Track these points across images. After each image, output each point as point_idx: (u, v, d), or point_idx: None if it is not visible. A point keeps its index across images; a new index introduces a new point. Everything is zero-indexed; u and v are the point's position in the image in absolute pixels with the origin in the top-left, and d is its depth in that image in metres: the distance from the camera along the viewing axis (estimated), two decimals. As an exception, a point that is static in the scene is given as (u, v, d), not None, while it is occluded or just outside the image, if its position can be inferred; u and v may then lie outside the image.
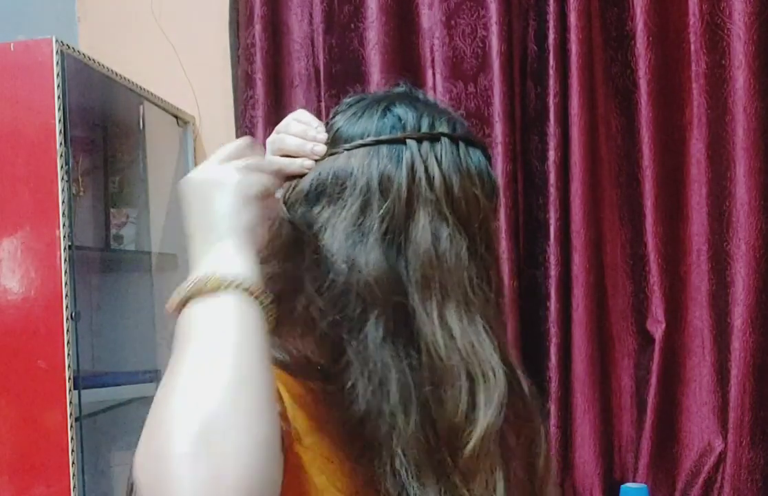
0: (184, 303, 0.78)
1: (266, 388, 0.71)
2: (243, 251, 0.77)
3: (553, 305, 2.01)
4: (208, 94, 2.40)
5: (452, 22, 2.11)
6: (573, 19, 2.00)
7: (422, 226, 0.84)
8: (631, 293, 2.07)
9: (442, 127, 0.89)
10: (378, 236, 0.83)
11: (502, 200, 2.03)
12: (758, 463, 1.94)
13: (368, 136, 0.88)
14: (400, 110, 0.90)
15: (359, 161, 0.87)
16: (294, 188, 0.90)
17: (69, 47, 1.85)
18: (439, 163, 0.86)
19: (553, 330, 2.01)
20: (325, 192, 0.87)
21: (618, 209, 2.08)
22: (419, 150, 0.87)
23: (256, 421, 0.68)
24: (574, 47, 2.00)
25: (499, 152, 2.04)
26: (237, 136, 2.32)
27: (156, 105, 2.29)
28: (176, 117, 2.37)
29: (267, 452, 0.68)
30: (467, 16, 2.10)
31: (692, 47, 2.00)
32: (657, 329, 2.01)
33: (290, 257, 0.86)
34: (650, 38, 1.99)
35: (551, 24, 2.02)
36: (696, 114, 2.01)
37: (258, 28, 2.21)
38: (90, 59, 1.97)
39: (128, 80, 2.15)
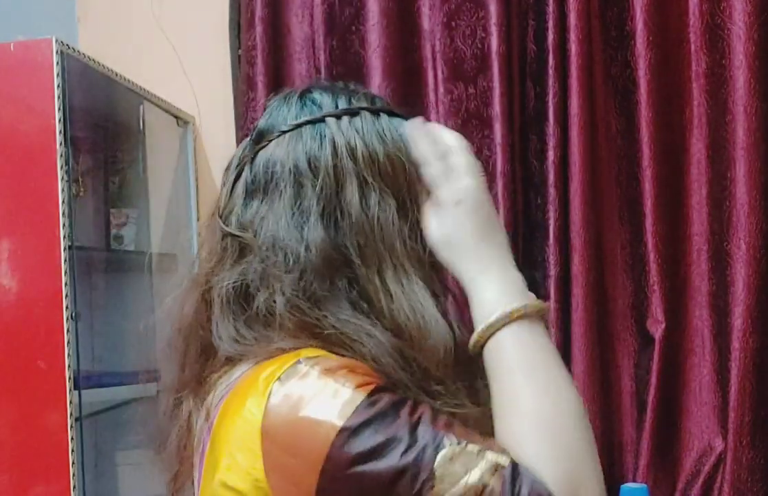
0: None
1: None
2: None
3: (552, 305, 2.01)
4: (208, 95, 2.40)
5: (452, 24, 2.11)
6: (573, 19, 2.00)
7: (351, 197, 0.87)
8: (631, 293, 2.07)
9: (360, 103, 0.92)
10: (317, 215, 0.86)
11: (502, 200, 2.03)
12: (758, 463, 1.94)
13: (288, 123, 0.91)
14: (316, 95, 0.93)
15: (284, 149, 0.90)
16: (225, 199, 0.93)
17: (69, 47, 1.85)
18: (361, 135, 0.89)
19: (553, 330, 2.00)
20: (258, 188, 0.90)
21: (618, 209, 2.08)
22: (339, 126, 0.90)
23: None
24: (573, 47, 2.00)
25: (498, 152, 2.05)
26: (237, 138, 2.32)
27: (156, 105, 2.29)
28: (176, 117, 2.37)
29: None
30: (467, 17, 2.10)
31: (692, 47, 2.00)
32: (657, 329, 2.01)
33: (241, 262, 0.89)
34: (650, 38, 1.99)
35: (551, 24, 2.03)
36: (696, 114, 2.01)
37: (259, 29, 2.21)
38: (90, 59, 1.97)
39: (128, 80, 2.15)
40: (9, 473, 1.80)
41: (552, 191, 2.03)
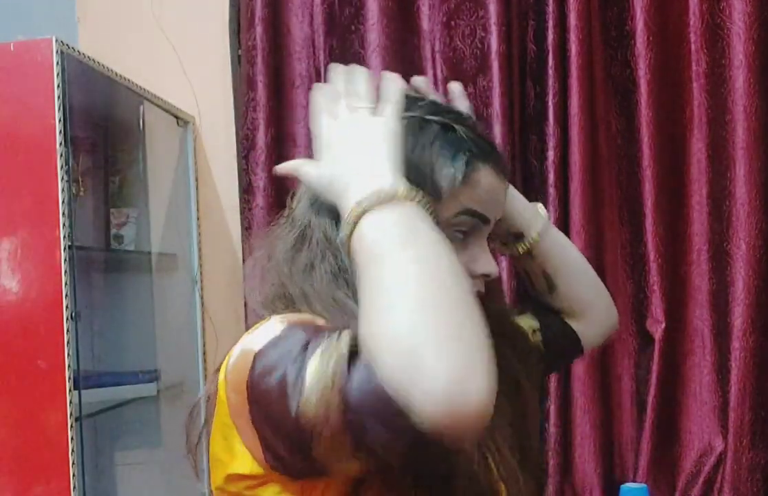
0: (361, 214, 0.82)
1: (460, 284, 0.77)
2: (396, 164, 0.87)
3: (553, 305, 2.00)
4: (208, 94, 2.40)
5: (452, 24, 2.11)
6: (572, 19, 2.00)
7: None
8: (631, 293, 2.07)
9: None
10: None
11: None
12: (758, 463, 1.94)
13: None
14: None
15: None
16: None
17: (69, 47, 1.85)
18: None
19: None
20: None
21: (618, 209, 2.08)
22: None
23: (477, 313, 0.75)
24: (573, 47, 2.00)
25: (498, 152, 2.04)
26: (237, 138, 2.32)
27: (156, 105, 2.29)
28: (176, 117, 2.37)
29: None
30: (467, 17, 2.10)
31: (692, 47, 2.00)
32: (657, 329, 2.01)
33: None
34: (650, 38, 1.99)
35: (550, 24, 2.03)
36: (696, 114, 2.01)
37: (259, 29, 2.21)
38: (90, 59, 1.97)
39: (128, 80, 2.15)
40: (9, 473, 1.80)
41: (552, 191, 2.03)
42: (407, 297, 0.73)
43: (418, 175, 0.91)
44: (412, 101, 1.02)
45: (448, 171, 0.93)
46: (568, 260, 1.16)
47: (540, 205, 1.14)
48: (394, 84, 0.99)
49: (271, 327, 0.83)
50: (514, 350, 1.06)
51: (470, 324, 0.73)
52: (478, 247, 0.97)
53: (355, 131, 0.94)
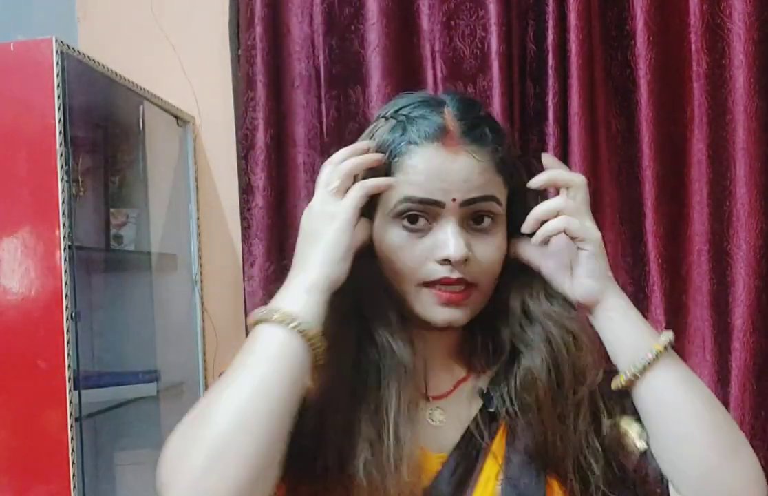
0: (257, 322, 0.91)
1: (272, 419, 0.84)
2: (316, 291, 0.89)
3: (553, 305, 2.00)
4: (208, 94, 2.40)
5: (452, 23, 2.11)
6: (572, 19, 2.00)
7: None
8: (631, 293, 2.06)
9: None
10: None
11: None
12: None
13: None
14: None
15: None
16: None
17: (69, 47, 1.85)
18: None
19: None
20: None
21: (618, 209, 2.08)
22: None
23: (256, 448, 0.82)
24: (573, 47, 2.00)
25: (498, 152, 2.04)
26: (237, 137, 2.32)
27: (156, 105, 2.29)
28: (176, 117, 2.37)
29: (259, 473, 0.82)
30: (467, 16, 2.10)
31: (692, 47, 2.00)
32: (657, 329, 2.00)
33: None
34: (650, 38, 1.99)
35: (550, 24, 2.02)
36: (696, 114, 2.00)
37: (259, 29, 2.21)
38: (90, 59, 1.97)
39: (128, 80, 2.15)
40: (9, 473, 1.80)
41: (552, 191, 2.02)
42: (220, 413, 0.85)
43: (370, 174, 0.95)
44: (396, 100, 1.03)
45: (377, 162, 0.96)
46: (668, 423, 0.99)
47: (666, 336, 1.03)
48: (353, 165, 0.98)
49: None
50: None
51: (233, 450, 0.82)
52: (441, 231, 0.95)
53: (311, 227, 0.94)
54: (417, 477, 0.93)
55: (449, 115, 0.97)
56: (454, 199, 0.94)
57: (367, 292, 0.97)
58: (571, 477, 0.97)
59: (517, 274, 1.02)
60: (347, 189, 0.95)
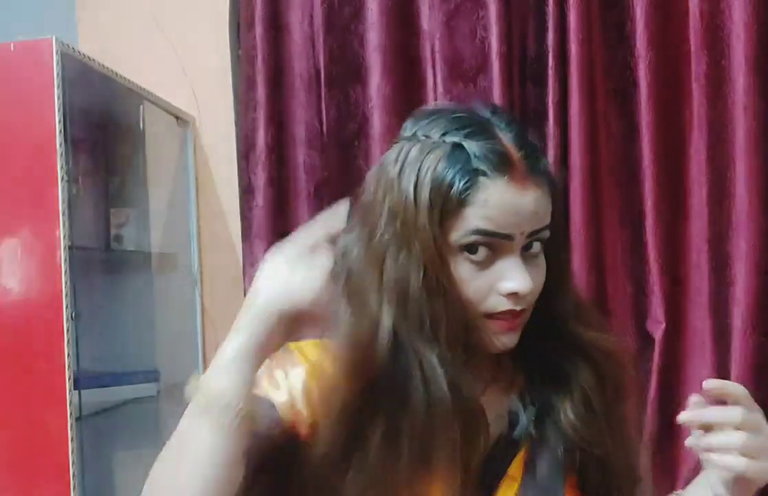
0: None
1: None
2: (245, 361, 0.91)
3: (553, 305, 2.00)
4: (208, 94, 2.40)
5: (452, 23, 2.11)
6: (573, 19, 2.00)
7: None
8: (631, 294, 2.07)
9: None
10: None
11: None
12: (758, 463, 1.93)
13: None
14: None
15: None
16: None
17: (69, 47, 1.85)
18: None
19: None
20: None
21: (618, 209, 2.08)
22: None
23: None
24: (573, 48, 2.00)
25: (498, 152, 2.04)
26: (237, 138, 2.32)
27: (156, 105, 2.29)
28: (176, 117, 2.37)
29: None
30: (467, 17, 2.10)
31: (692, 47, 2.00)
32: (657, 330, 2.01)
33: None
34: (650, 39, 1.99)
35: (551, 24, 2.02)
36: (696, 114, 2.00)
37: (259, 29, 2.21)
38: (90, 59, 1.97)
39: (128, 80, 2.15)
40: (9, 473, 1.80)
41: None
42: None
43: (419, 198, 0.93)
44: (433, 119, 0.98)
45: (446, 193, 0.92)
46: None
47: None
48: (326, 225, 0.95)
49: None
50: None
51: None
52: (505, 264, 0.94)
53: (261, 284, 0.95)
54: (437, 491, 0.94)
55: (508, 142, 0.95)
56: (522, 233, 0.94)
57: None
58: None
59: (552, 294, 1.01)
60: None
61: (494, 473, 0.99)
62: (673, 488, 2.02)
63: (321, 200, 2.20)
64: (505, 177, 0.92)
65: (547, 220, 0.96)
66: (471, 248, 0.93)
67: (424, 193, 0.92)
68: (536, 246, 0.96)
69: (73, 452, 1.76)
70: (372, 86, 2.13)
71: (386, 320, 0.92)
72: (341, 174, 2.17)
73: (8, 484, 1.79)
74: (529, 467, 1.00)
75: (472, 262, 0.94)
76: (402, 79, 2.14)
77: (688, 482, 2.01)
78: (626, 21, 2.03)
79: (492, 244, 0.93)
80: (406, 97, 2.13)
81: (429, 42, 2.15)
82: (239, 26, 2.30)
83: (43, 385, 1.78)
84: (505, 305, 0.94)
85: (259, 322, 0.91)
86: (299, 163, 2.25)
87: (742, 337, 1.91)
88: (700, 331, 2.02)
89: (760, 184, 1.92)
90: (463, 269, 0.93)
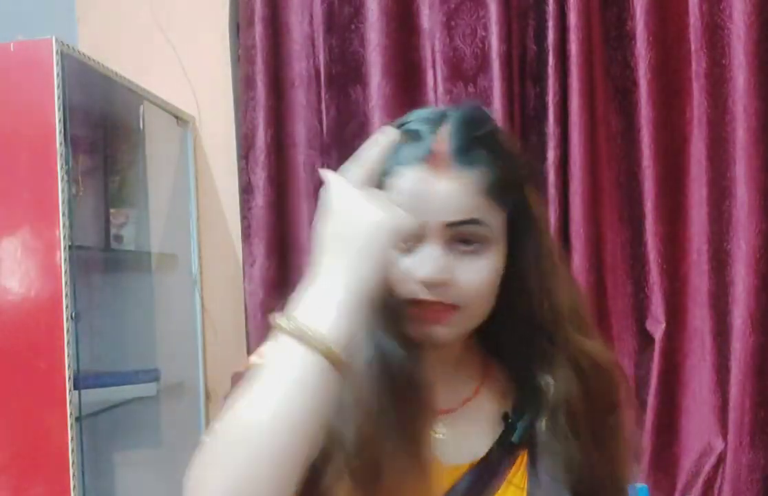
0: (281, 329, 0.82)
1: (292, 449, 0.79)
2: (353, 311, 0.82)
3: (553, 305, 2.00)
4: (208, 94, 2.40)
5: (452, 23, 2.11)
6: (573, 19, 2.00)
7: None
8: (631, 293, 2.07)
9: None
10: None
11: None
12: (758, 463, 1.94)
13: None
14: None
15: None
16: None
17: (69, 47, 1.85)
18: None
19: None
20: None
21: (618, 209, 2.08)
22: None
23: (277, 479, 0.77)
24: (573, 47, 2.00)
25: (498, 152, 2.04)
26: (237, 138, 2.32)
27: (156, 105, 2.29)
28: (176, 117, 2.37)
29: None
30: (467, 16, 2.10)
31: (692, 47, 2.00)
32: (657, 329, 2.01)
33: None
34: (650, 38, 1.99)
35: (551, 24, 2.03)
36: (696, 114, 2.01)
37: (259, 28, 2.21)
38: (90, 59, 1.97)
39: (128, 80, 2.15)
40: (9, 473, 1.80)
41: (552, 191, 2.03)
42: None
43: None
44: (406, 117, 1.01)
45: (377, 182, 0.91)
46: None
47: None
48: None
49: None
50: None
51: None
52: (422, 251, 0.94)
53: (349, 225, 0.87)
54: (428, 486, 0.93)
55: (444, 134, 0.96)
56: (436, 221, 0.94)
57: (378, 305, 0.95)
58: None
59: (536, 298, 1.00)
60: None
61: (491, 475, 0.99)
62: (673, 488, 2.04)
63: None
64: (422, 165, 0.93)
65: (473, 216, 0.94)
66: None
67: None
68: (470, 241, 0.95)
69: (73, 452, 1.76)
70: (372, 86, 2.13)
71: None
72: (341, 174, 2.17)
73: (8, 484, 1.79)
74: (532, 474, 1.00)
75: (399, 248, 0.93)
76: (402, 78, 2.14)
77: (687, 482, 2.02)
78: (626, 20, 2.04)
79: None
80: (406, 96, 2.14)
81: (429, 42, 2.15)
82: (239, 26, 2.30)
83: (43, 385, 1.78)
84: (418, 293, 0.94)
85: (373, 252, 0.84)
86: (299, 163, 2.25)
87: (742, 337, 1.92)
88: (700, 330, 2.02)
89: (760, 184, 1.92)
90: (391, 254, 0.92)
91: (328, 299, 0.82)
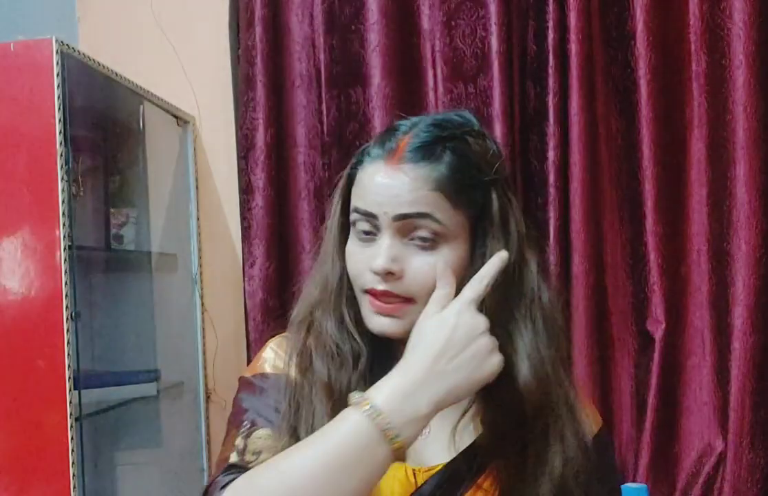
0: (362, 404, 0.88)
1: None
2: (427, 414, 0.87)
3: (553, 305, 2.00)
4: (208, 95, 2.40)
5: (452, 23, 2.11)
6: (572, 19, 2.00)
7: None
8: (631, 293, 2.07)
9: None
10: None
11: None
12: (758, 463, 1.94)
13: None
14: None
15: None
16: None
17: (69, 47, 1.85)
18: None
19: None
20: None
21: (618, 209, 2.08)
22: None
23: None
24: (573, 47, 2.00)
25: (498, 152, 2.04)
26: (237, 138, 2.32)
27: (156, 105, 2.29)
28: (176, 117, 2.37)
29: None
30: (467, 16, 2.10)
31: (692, 47, 2.00)
32: (657, 329, 2.01)
33: None
34: (650, 38, 1.99)
35: (551, 24, 2.02)
36: (696, 114, 2.00)
37: (259, 29, 2.21)
38: (90, 59, 1.97)
39: (128, 80, 2.15)
40: (9, 473, 1.80)
41: (552, 191, 2.03)
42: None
43: None
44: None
45: (346, 178, 1.05)
46: None
47: None
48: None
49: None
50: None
51: None
52: (377, 244, 0.99)
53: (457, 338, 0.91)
54: (389, 486, 0.96)
55: (404, 133, 1.01)
56: (385, 213, 0.98)
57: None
58: None
59: (504, 293, 1.00)
60: None
61: (461, 479, 1.01)
62: (673, 488, 2.04)
63: (321, 200, 2.21)
64: (381, 161, 0.99)
65: (424, 210, 0.97)
66: (355, 225, 1.01)
67: (341, 183, 1.05)
68: (423, 235, 0.98)
69: (73, 452, 1.76)
70: (372, 86, 2.13)
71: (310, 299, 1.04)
72: (341, 174, 2.17)
73: (8, 484, 1.79)
74: (503, 486, 1.00)
75: (359, 239, 1.01)
76: (402, 79, 2.14)
77: (687, 482, 2.02)
78: (626, 20, 2.03)
79: (368, 224, 1.00)
80: (407, 97, 2.14)
81: (429, 42, 2.15)
82: (239, 26, 2.30)
83: (43, 385, 1.78)
84: (370, 282, 0.99)
85: (471, 379, 0.90)
86: (299, 163, 2.25)
87: (742, 337, 1.91)
88: (700, 330, 2.02)
89: (760, 184, 1.92)
90: (352, 244, 1.02)
91: (412, 401, 0.86)
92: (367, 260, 0.99)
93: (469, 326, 0.90)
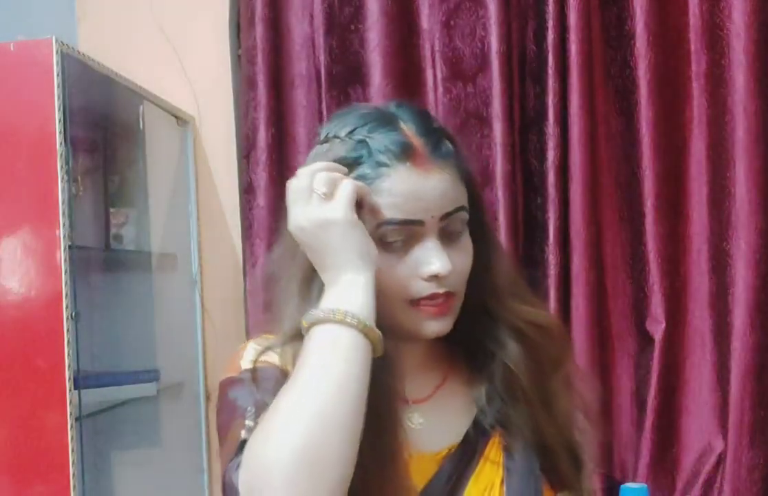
0: (312, 325, 0.90)
1: (354, 416, 0.86)
2: (359, 284, 0.91)
3: (552, 305, 2.00)
4: (208, 94, 2.40)
5: (452, 23, 2.11)
6: (572, 18, 2.00)
7: None
8: (631, 293, 2.07)
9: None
10: None
11: (501, 200, 2.03)
12: (758, 463, 1.94)
13: None
14: None
15: None
16: None
17: (69, 47, 1.85)
18: None
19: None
20: None
21: (618, 209, 2.08)
22: None
23: (345, 450, 0.85)
24: (573, 47, 2.00)
25: (498, 152, 2.05)
26: (237, 138, 2.32)
27: (156, 105, 2.29)
28: (176, 117, 2.37)
29: (348, 472, 0.85)
30: (467, 16, 2.10)
31: (692, 47, 2.00)
32: (657, 329, 2.01)
33: None
34: (650, 38, 1.99)
35: (550, 24, 2.02)
36: (696, 114, 2.01)
37: (259, 29, 2.21)
38: (90, 59, 1.97)
39: (128, 80, 2.15)
40: (9, 473, 1.80)
41: (552, 191, 2.03)
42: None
43: None
44: (341, 119, 1.04)
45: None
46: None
47: None
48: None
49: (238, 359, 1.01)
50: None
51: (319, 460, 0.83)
52: (423, 248, 0.96)
53: (318, 240, 0.94)
54: (409, 477, 0.95)
55: (409, 131, 0.98)
56: (432, 217, 0.96)
57: None
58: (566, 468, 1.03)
59: (480, 276, 1.03)
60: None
61: (470, 457, 1.02)
62: (673, 488, 2.04)
63: (321, 200, 2.20)
64: (407, 164, 0.96)
65: (462, 202, 0.99)
66: (385, 238, 0.96)
67: None
68: (456, 228, 0.99)
69: (73, 452, 1.76)
70: (372, 86, 2.13)
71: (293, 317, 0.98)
72: (341, 174, 2.17)
73: (8, 484, 1.79)
74: (508, 455, 1.02)
75: (389, 252, 0.97)
76: (402, 78, 2.14)
77: (687, 482, 2.02)
78: (626, 20, 2.03)
79: (405, 232, 0.96)
80: (406, 96, 2.13)
81: (429, 42, 2.15)
82: (239, 26, 2.30)
83: (42, 385, 1.78)
84: (428, 289, 0.97)
85: (354, 244, 0.92)
86: (299, 163, 2.24)
87: (742, 337, 1.91)
88: (700, 330, 2.02)
89: (760, 184, 1.92)
90: (381, 260, 0.95)
91: (351, 288, 0.90)
92: (411, 269, 0.97)
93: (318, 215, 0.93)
